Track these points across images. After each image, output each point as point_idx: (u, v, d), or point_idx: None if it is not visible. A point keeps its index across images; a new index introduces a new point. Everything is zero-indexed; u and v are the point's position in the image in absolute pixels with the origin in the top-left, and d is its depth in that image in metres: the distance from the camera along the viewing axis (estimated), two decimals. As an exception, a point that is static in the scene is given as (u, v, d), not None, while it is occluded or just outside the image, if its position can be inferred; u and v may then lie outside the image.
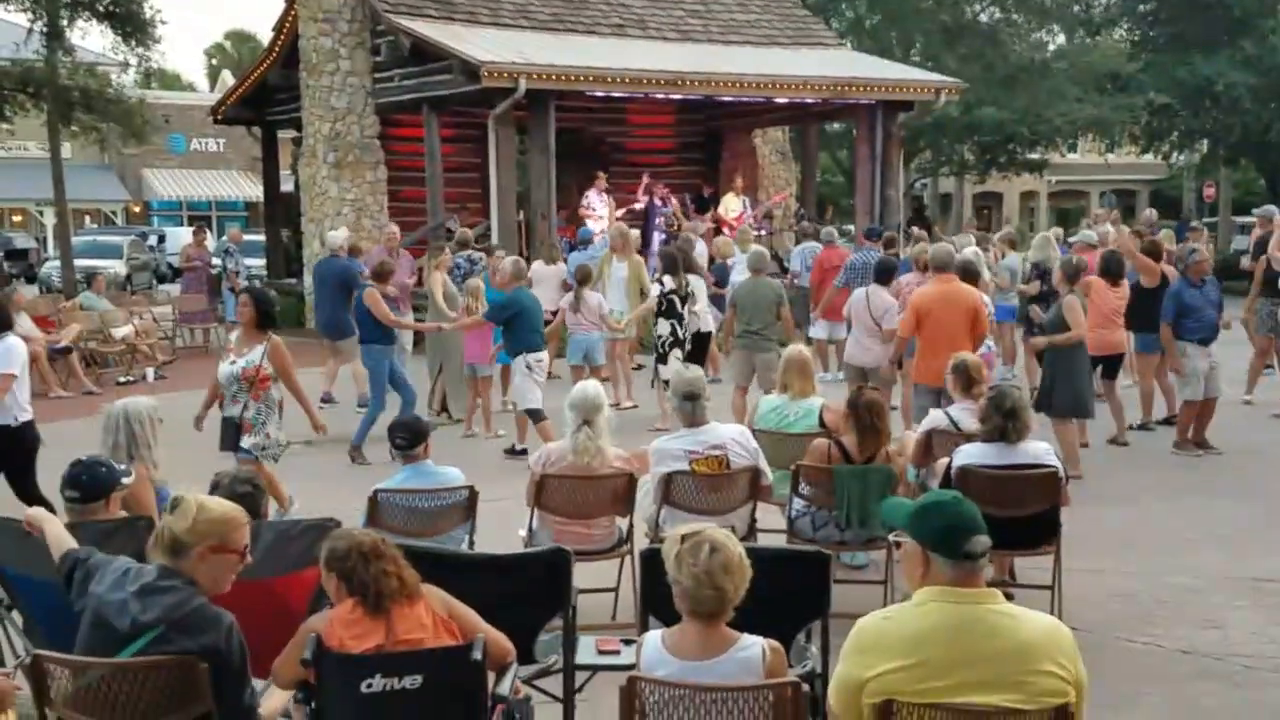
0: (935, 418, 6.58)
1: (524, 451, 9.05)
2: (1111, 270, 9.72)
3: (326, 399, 12.25)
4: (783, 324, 10.06)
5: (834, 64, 19.38)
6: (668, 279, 10.60)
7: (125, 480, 4.58)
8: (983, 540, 2.86)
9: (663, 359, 10.50)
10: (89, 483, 4.36)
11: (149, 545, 3.43)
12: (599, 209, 17.78)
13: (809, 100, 18.37)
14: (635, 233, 14.19)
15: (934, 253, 8.74)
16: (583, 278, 10.94)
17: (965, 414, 6.38)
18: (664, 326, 10.53)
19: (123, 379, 14.04)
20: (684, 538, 3.22)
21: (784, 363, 7.01)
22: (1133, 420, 10.00)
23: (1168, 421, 10.03)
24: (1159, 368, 10.19)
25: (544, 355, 9.61)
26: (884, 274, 9.95)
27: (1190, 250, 10.36)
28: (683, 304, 10.57)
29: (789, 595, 4.06)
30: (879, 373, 9.43)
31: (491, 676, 3.51)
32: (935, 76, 20.53)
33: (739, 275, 13.18)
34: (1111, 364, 9.96)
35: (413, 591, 3.43)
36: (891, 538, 3.15)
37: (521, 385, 9.38)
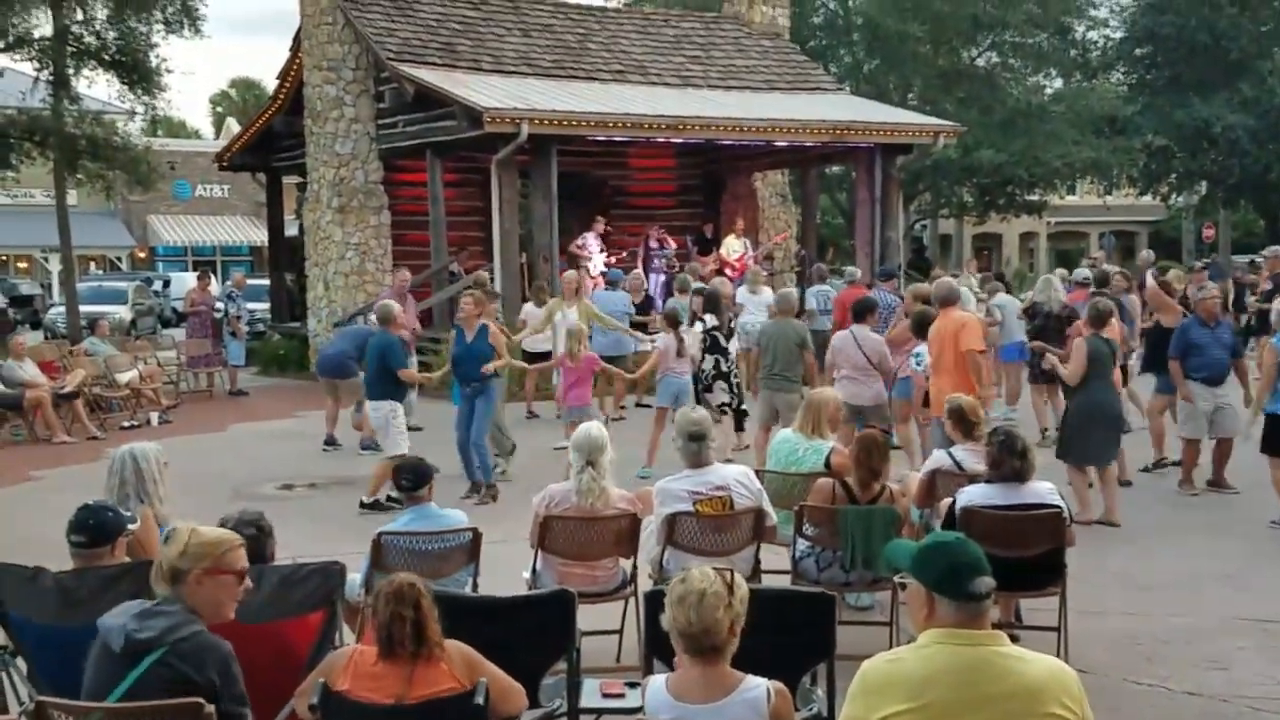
0: (938, 458, 6.59)
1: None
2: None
3: (330, 442, 12.29)
4: (805, 367, 10.18)
5: (833, 108, 19.55)
6: (709, 317, 10.86)
7: (131, 525, 4.59)
8: (987, 581, 2.86)
9: (708, 389, 10.71)
10: (96, 528, 4.36)
11: (151, 579, 3.46)
12: (593, 251, 17.90)
13: (808, 144, 18.52)
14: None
15: (935, 290, 9.02)
16: (674, 321, 10.87)
17: (969, 455, 6.39)
18: (708, 362, 10.73)
19: (127, 424, 14.06)
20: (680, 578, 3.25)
21: (807, 401, 7.10)
22: (1147, 462, 9.97)
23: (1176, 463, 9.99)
24: (1173, 408, 10.18)
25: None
26: (863, 313, 10.00)
27: (1199, 289, 10.34)
28: (726, 340, 10.88)
29: (794, 637, 4.06)
30: (878, 411, 9.49)
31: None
32: (933, 120, 20.69)
33: (747, 317, 13.29)
34: None
35: (432, 648, 3.38)
36: (896, 579, 3.16)
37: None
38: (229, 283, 20.28)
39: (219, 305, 18.40)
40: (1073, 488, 8.39)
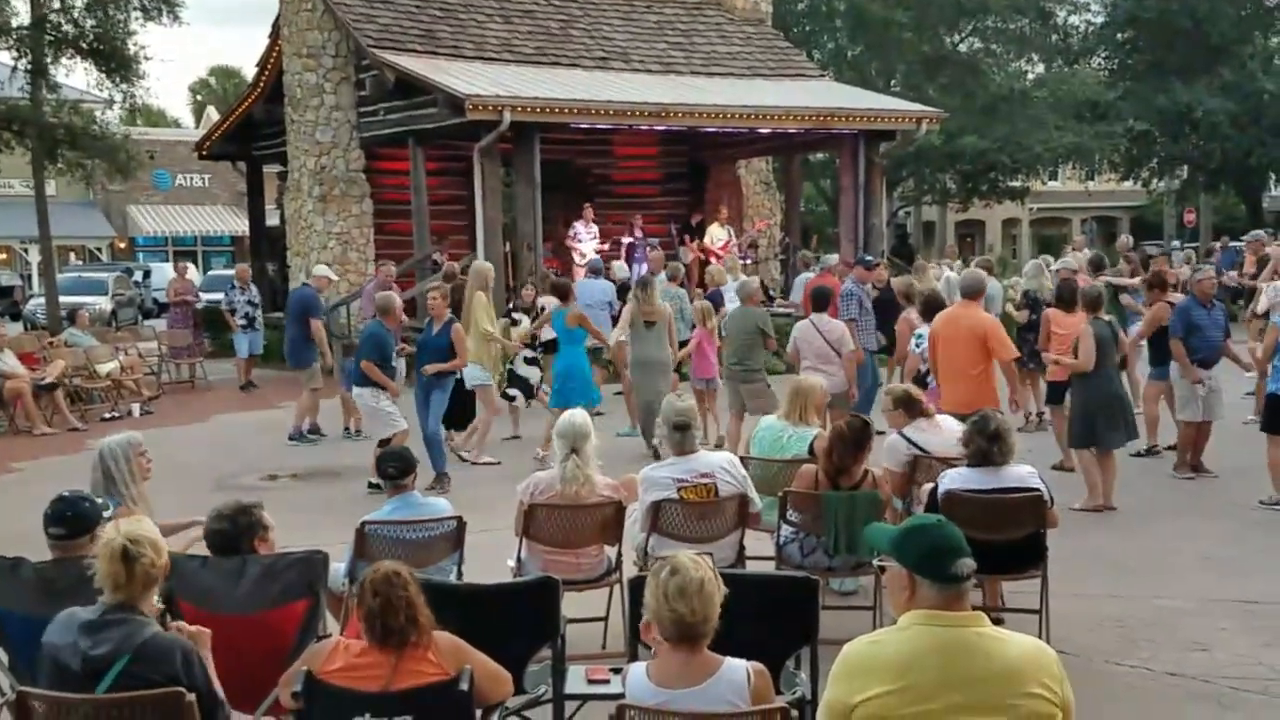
0: (895, 445, 6.55)
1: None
2: (1064, 299, 9.76)
3: (314, 431, 12.24)
4: (767, 351, 10.26)
5: (816, 95, 19.53)
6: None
7: (107, 514, 4.57)
8: (967, 563, 2.87)
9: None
10: (74, 519, 4.34)
11: (97, 584, 3.46)
12: (585, 239, 17.90)
13: (792, 131, 18.51)
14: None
15: (963, 280, 9.01)
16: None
17: (923, 434, 6.45)
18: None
19: (108, 415, 13.99)
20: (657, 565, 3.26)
21: (794, 389, 7.10)
22: (1140, 447, 9.98)
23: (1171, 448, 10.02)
24: (1168, 394, 10.21)
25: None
26: (823, 301, 9.96)
27: (1195, 269, 10.36)
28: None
29: (778, 621, 4.07)
30: (843, 398, 9.50)
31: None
32: (916, 106, 20.70)
33: (733, 303, 13.31)
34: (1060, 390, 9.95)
35: (420, 635, 3.38)
36: (876, 562, 3.17)
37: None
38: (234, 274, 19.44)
39: (220, 297, 18.09)
40: (1083, 473, 8.43)
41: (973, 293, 8.55)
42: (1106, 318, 8.86)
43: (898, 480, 6.38)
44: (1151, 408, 10.24)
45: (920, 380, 8.99)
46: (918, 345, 9.28)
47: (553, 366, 10.92)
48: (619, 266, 16.44)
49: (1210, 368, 9.26)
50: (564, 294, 11.03)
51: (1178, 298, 10.29)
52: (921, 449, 6.43)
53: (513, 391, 11.43)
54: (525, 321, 11.63)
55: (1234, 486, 9.07)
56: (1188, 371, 9.21)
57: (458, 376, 10.22)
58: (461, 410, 10.67)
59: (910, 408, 6.62)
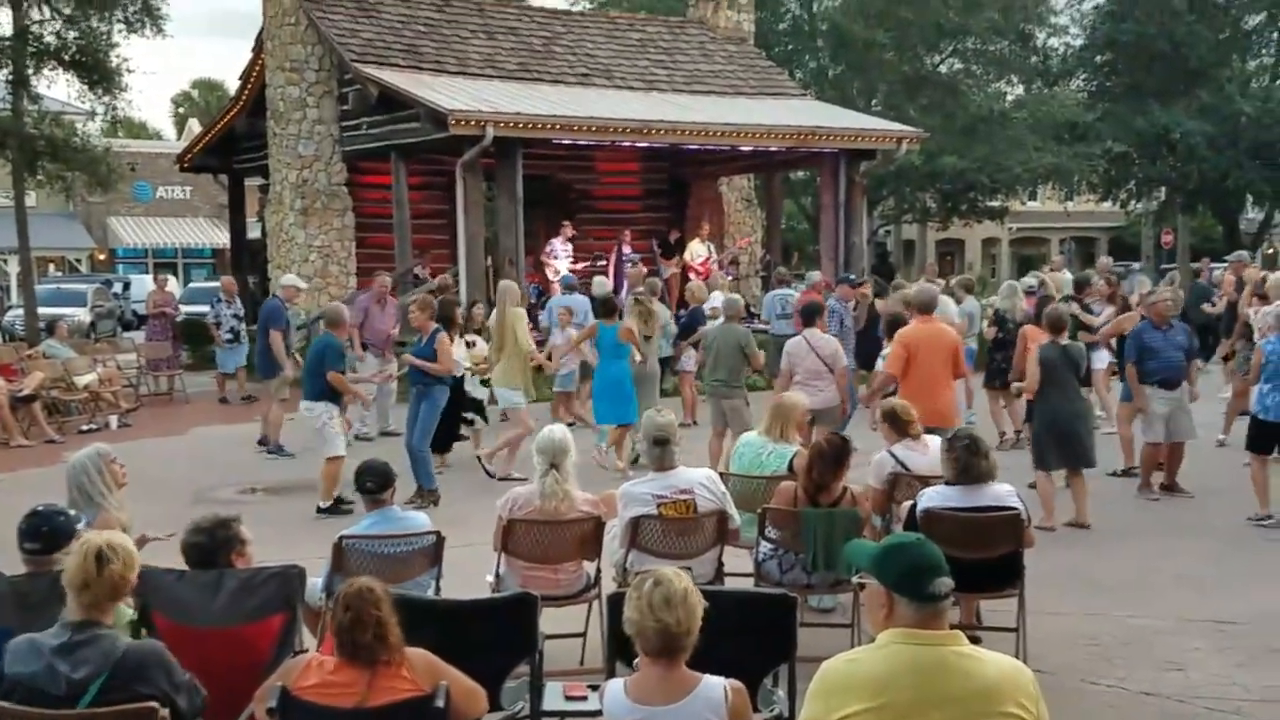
0: (882, 461, 6.61)
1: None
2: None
3: (277, 450, 12.07)
4: (750, 367, 10.32)
5: (797, 113, 19.63)
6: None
7: (79, 526, 4.54)
8: (945, 581, 2.88)
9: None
10: (49, 534, 4.31)
11: (79, 598, 3.46)
12: (561, 256, 17.89)
13: (773, 149, 18.59)
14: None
15: (917, 295, 9.01)
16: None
17: (910, 453, 6.48)
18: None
19: (86, 427, 13.90)
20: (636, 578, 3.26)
21: (774, 406, 7.13)
22: (1116, 467, 10.05)
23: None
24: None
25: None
26: (811, 316, 10.02)
27: (1149, 292, 10.47)
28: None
29: (755, 639, 4.07)
30: (831, 414, 9.54)
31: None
32: (897, 126, 20.83)
33: (715, 322, 13.33)
34: None
35: (392, 653, 3.36)
36: (855, 579, 3.18)
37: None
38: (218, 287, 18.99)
39: (202, 309, 17.82)
40: (1038, 493, 8.46)
41: (930, 307, 8.82)
42: (1064, 343, 8.88)
43: (878, 497, 6.41)
44: (1124, 429, 10.31)
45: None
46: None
47: (595, 381, 10.96)
48: (599, 282, 16.43)
49: (1174, 389, 9.23)
50: (611, 309, 11.09)
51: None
52: (905, 467, 6.45)
53: (470, 415, 11.30)
54: (480, 343, 11.52)
55: (1209, 506, 9.13)
56: (1138, 396, 9.28)
57: (447, 394, 10.11)
58: (446, 432, 10.60)
59: (896, 424, 6.64)
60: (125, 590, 3.54)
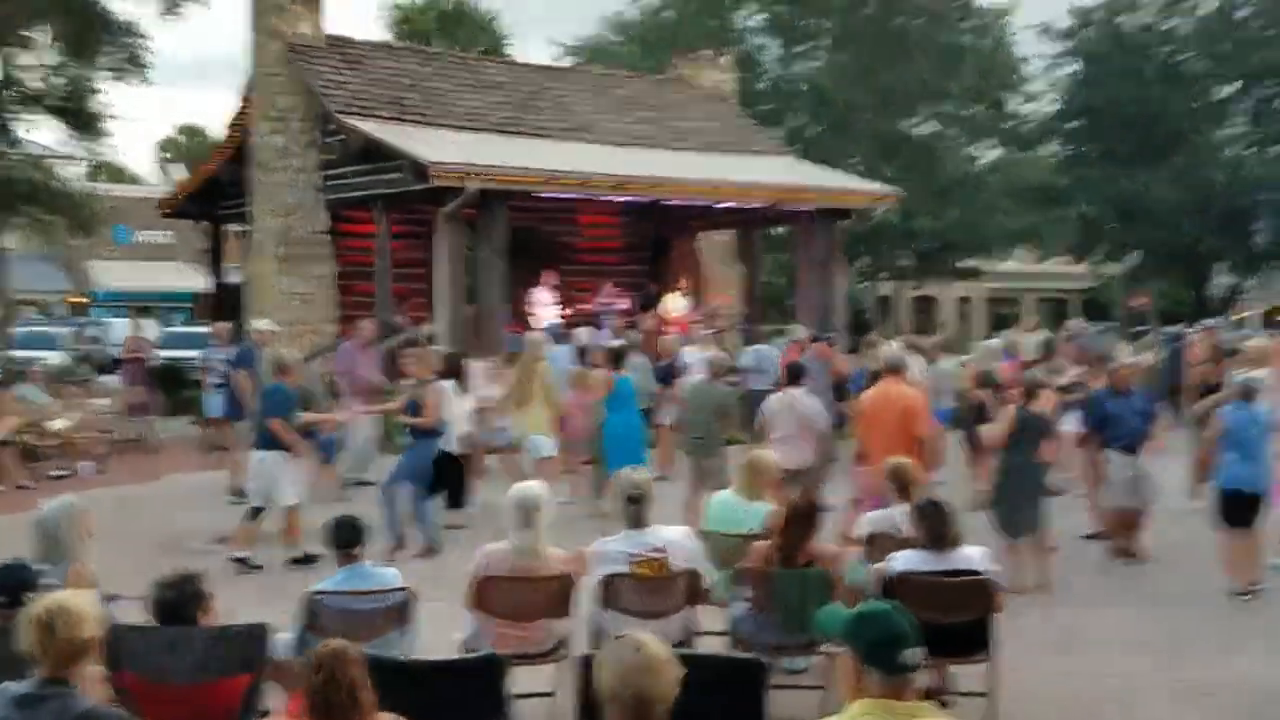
0: (879, 519, 6.65)
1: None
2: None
3: (241, 493, 11.98)
4: (729, 426, 10.38)
5: (777, 172, 19.89)
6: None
7: (45, 581, 4.52)
8: (916, 652, 2.91)
9: None
10: (14, 589, 4.29)
11: (45, 660, 3.44)
12: (545, 304, 17.97)
13: (753, 205, 18.80)
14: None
15: (884, 356, 9.13)
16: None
17: (906, 519, 6.49)
18: None
19: (57, 473, 13.77)
20: (613, 641, 3.25)
21: (747, 465, 7.10)
22: (1087, 530, 10.07)
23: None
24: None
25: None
26: (796, 376, 10.11)
27: (1110, 359, 10.60)
28: None
29: (725, 704, 4.07)
30: (811, 473, 9.58)
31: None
32: (874, 186, 21.11)
33: (696, 376, 13.39)
34: None
35: (364, 715, 3.34)
36: (825, 649, 3.20)
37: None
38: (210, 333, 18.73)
39: (184, 354, 17.66)
40: (1003, 557, 8.48)
41: (898, 369, 8.82)
42: (1036, 410, 8.97)
43: (851, 548, 6.43)
44: (1094, 492, 10.38)
45: None
46: None
47: (608, 430, 11.00)
48: (585, 333, 16.48)
49: (1134, 454, 9.32)
50: (621, 360, 11.47)
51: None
52: (898, 531, 6.45)
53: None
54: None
55: (1177, 570, 9.17)
56: (1098, 466, 9.33)
57: (437, 446, 10.10)
58: (454, 484, 10.52)
59: (901, 484, 6.64)
60: (85, 650, 3.48)
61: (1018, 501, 8.58)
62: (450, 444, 10.28)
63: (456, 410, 10.41)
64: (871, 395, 8.79)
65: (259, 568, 9.11)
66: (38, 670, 3.40)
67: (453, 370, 10.50)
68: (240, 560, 9.15)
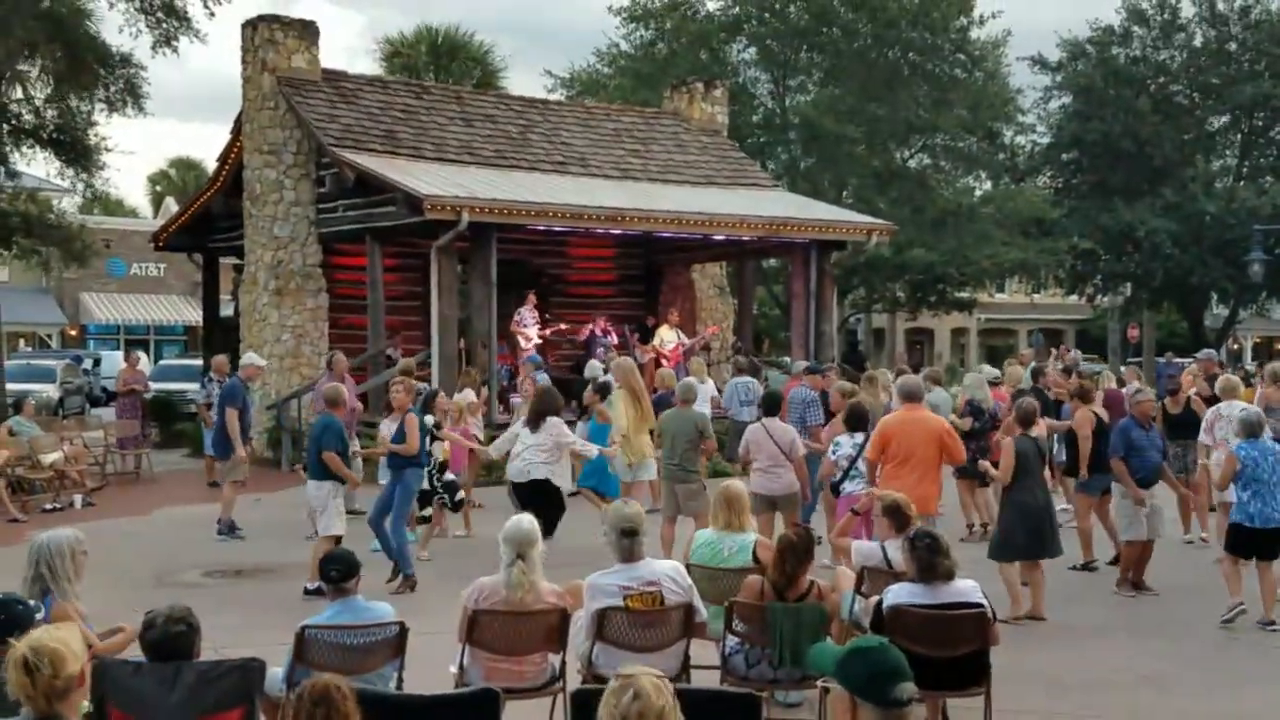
0: (870, 552, 6.64)
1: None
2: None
3: (228, 530, 11.90)
4: (704, 453, 10.48)
5: (769, 204, 19.96)
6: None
7: (38, 616, 4.49)
8: (908, 687, 2.90)
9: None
10: (6, 623, 4.26)
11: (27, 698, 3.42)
12: (529, 324, 17.98)
13: (745, 238, 18.85)
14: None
15: (901, 384, 9.19)
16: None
17: (898, 553, 6.46)
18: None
19: (49, 506, 13.71)
20: (615, 680, 3.22)
21: (720, 497, 7.05)
22: (1076, 561, 10.08)
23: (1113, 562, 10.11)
24: (1100, 508, 10.37)
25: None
26: (773, 406, 10.15)
27: (1135, 390, 10.52)
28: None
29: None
30: (790, 500, 9.62)
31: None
32: (867, 218, 21.19)
33: (702, 407, 13.40)
34: None
35: None
36: (820, 684, 3.19)
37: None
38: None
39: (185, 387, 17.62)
40: (1005, 584, 8.48)
41: (916, 397, 8.85)
42: (1033, 435, 8.98)
43: (861, 581, 6.41)
44: (1084, 522, 10.38)
45: (835, 487, 9.36)
46: (834, 451, 9.45)
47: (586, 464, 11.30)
48: (593, 365, 16.45)
49: (1149, 487, 9.35)
50: (607, 392, 11.76)
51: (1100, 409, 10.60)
52: (890, 565, 6.44)
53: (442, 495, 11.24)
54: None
55: (1175, 604, 9.14)
56: (1133, 491, 9.28)
57: (421, 476, 10.20)
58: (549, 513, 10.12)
59: (897, 519, 6.59)
60: (70, 689, 3.46)
61: (1017, 528, 8.57)
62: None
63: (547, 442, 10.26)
64: (898, 419, 8.68)
65: None
66: (27, 709, 3.37)
67: (545, 411, 10.41)
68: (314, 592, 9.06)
